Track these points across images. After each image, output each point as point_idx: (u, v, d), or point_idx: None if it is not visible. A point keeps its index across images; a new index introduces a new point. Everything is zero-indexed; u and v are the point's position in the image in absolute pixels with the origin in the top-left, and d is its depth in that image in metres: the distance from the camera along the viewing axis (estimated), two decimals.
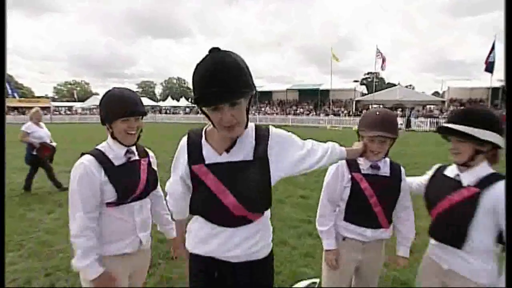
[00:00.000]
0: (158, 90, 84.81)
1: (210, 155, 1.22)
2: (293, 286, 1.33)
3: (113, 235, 1.53)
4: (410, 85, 65.47)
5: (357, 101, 32.25)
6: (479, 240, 1.38)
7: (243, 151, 1.22)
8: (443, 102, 29.92)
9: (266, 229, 1.32)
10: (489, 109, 1.46)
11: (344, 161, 1.69)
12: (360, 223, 1.71)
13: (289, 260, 3.09)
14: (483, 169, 1.42)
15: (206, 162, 1.21)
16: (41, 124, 5.55)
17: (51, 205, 4.86)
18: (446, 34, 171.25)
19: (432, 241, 1.60)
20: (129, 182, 1.54)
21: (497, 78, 24.39)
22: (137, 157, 1.63)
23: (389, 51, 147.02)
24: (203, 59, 1.07)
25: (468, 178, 1.43)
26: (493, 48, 21.69)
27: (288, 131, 1.35)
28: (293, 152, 1.30)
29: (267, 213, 1.32)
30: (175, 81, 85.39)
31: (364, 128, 1.64)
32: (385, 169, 1.71)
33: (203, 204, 1.22)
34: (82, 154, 1.53)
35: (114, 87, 1.58)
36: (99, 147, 1.57)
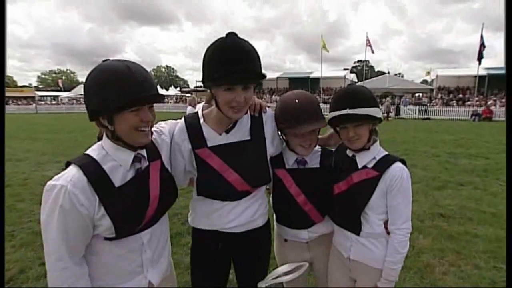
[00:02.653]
0: None
1: (210, 136, 1.28)
2: (279, 268, 1.37)
3: (107, 276, 1.08)
4: (400, 73, 66.14)
5: None
6: (374, 224, 1.34)
7: (241, 131, 1.30)
8: (432, 90, 30.31)
9: (263, 200, 1.41)
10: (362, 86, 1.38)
11: None
12: (292, 225, 1.49)
13: None
14: (376, 148, 1.37)
15: (209, 144, 1.27)
16: (198, 107, 6.45)
17: (41, 196, 4.78)
18: (435, 21, 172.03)
19: (335, 227, 1.50)
20: (135, 210, 1.06)
21: (483, 67, 24.83)
22: (146, 162, 1.13)
23: (379, 39, 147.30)
24: (219, 40, 1.10)
25: (363, 158, 1.36)
26: (481, 37, 22.00)
27: None
28: None
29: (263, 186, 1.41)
30: (163, 69, 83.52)
31: (289, 124, 1.32)
32: (314, 161, 1.46)
33: (209, 183, 1.27)
34: (68, 164, 1.02)
35: (109, 59, 1.02)
36: (91, 153, 1.05)
